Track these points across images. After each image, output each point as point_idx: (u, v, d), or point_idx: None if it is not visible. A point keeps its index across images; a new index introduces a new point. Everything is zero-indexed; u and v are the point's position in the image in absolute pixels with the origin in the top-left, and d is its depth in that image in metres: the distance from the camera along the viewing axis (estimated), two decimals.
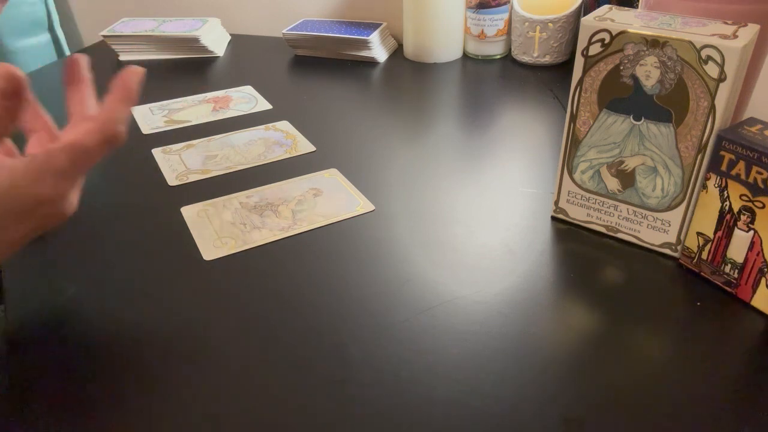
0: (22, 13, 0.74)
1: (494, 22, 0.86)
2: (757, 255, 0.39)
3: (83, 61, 0.45)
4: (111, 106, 0.39)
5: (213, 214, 0.53)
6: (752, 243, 0.39)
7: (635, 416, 0.33)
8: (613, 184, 0.46)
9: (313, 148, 0.64)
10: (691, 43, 0.38)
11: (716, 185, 0.40)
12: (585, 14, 0.61)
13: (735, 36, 0.38)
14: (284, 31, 0.91)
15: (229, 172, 0.59)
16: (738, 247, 0.40)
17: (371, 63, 0.89)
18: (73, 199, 0.39)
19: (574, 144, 0.46)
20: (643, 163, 0.44)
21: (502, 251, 0.47)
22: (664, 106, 0.41)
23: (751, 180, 0.38)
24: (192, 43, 0.92)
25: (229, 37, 1.01)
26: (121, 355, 0.38)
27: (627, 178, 0.45)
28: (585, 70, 0.43)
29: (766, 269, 0.39)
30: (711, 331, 0.39)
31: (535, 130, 0.66)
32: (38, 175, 0.35)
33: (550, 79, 0.81)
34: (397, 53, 0.93)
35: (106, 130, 0.38)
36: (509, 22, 0.87)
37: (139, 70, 0.41)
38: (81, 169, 0.37)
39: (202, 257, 0.47)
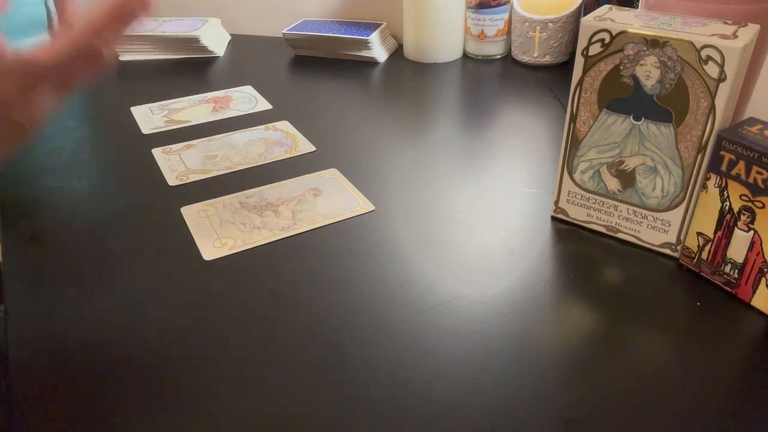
0: (21, 13, 0.74)
1: (494, 22, 0.86)
2: (757, 255, 0.39)
3: None
4: (91, 18, 0.37)
5: (213, 214, 0.53)
6: (752, 243, 0.39)
7: (635, 416, 0.33)
8: (613, 184, 0.46)
9: (313, 148, 0.64)
10: (691, 43, 0.38)
11: (716, 185, 0.40)
12: (585, 14, 0.61)
13: (735, 36, 0.38)
14: (284, 31, 0.91)
15: (229, 172, 0.59)
16: (738, 247, 0.40)
17: (371, 63, 0.89)
18: (45, 108, 0.37)
19: (574, 144, 0.46)
20: (643, 163, 0.44)
21: (502, 251, 0.47)
22: (664, 106, 0.41)
23: (751, 180, 0.38)
24: (192, 43, 0.92)
25: (229, 37, 1.01)
26: (120, 354, 0.38)
27: (627, 178, 0.45)
28: (585, 70, 0.43)
29: (766, 269, 0.39)
30: (711, 331, 0.39)
31: (535, 130, 0.66)
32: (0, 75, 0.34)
33: (550, 79, 0.81)
34: (397, 53, 0.93)
35: (77, 41, 0.36)
36: (509, 22, 0.87)
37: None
38: (49, 77, 0.36)
39: (202, 257, 0.47)
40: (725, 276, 0.42)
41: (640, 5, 0.56)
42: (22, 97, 0.35)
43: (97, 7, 0.38)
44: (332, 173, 0.59)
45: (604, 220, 0.48)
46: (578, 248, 0.47)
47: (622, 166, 0.45)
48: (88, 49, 0.37)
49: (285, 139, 0.66)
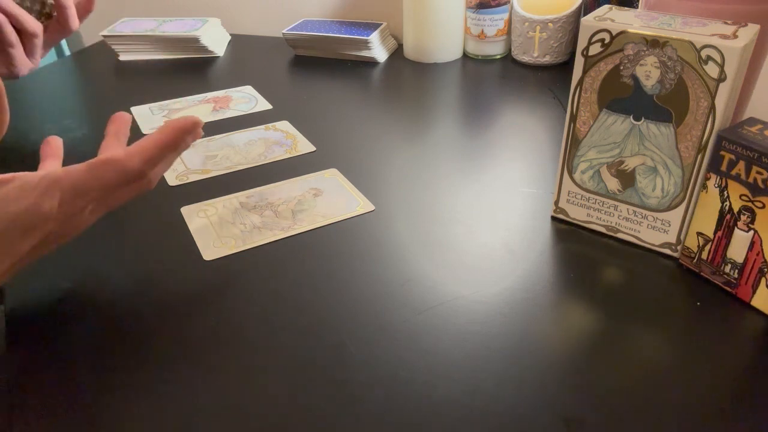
0: None
1: (494, 22, 0.86)
2: (757, 255, 0.39)
3: (127, 119, 0.46)
4: (145, 144, 0.38)
5: (213, 214, 0.53)
6: (752, 243, 0.39)
7: (635, 416, 0.33)
8: (613, 184, 0.46)
9: (313, 148, 0.64)
10: (691, 43, 0.38)
11: (716, 185, 0.40)
12: (585, 14, 0.61)
13: (735, 36, 0.38)
14: (284, 31, 0.91)
15: (229, 172, 0.59)
16: (738, 247, 0.40)
17: (371, 63, 0.89)
18: (83, 223, 0.38)
19: (574, 144, 0.46)
20: (643, 163, 0.44)
21: (502, 251, 0.47)
22: (664, 106, 0.41)
23: (750, 180, 0.38)
24: (192, 43, 0.92)
25: (229, 37, 1.01)
26: (120, 354, 0.38)
27: (627, 178, 0.45)
28: (585, 70, 0.43)
29: (766, 269, 0.39)
30: (711, 331, 0.39)
31: (535, 130, 0.66)
32: (47, 191, 0.35)
33: (550, 79, 0.81)
34: (397, 53, 0.93)
35: (127, 167, 0.37)
36: (509, 22, 0.87)
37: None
38: (93, 198, 0.37)
39: (202, 257, 0.47)
40: (725, 276, 0.42)
41: (640, 5, 0.56)
42: (61, 212, 0.36)
43: (150, 136, 0.39)
44: (332, 173, 0.59)
45: (604, 220, 0.48)
46: (578, 248, 0.47)
47: (622, 166, 0.45)
48: (138, 176, 0.38)
49: (285, 139, 0.66)
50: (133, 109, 0.75)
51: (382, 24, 0.93)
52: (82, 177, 0.36)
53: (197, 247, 0.48)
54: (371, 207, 0.53)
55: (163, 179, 0.58)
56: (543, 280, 0.44)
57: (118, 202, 0.39)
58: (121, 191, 0.38)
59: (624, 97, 0.42)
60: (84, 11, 0.65)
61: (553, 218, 0.51)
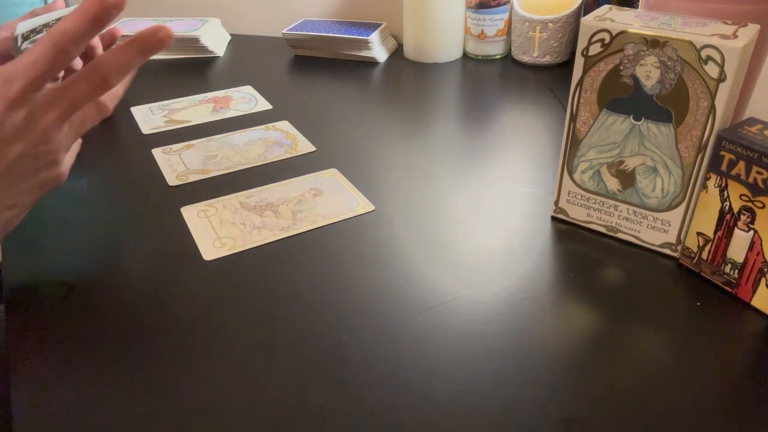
0: (21, 13, 0.75)
1: (494, 22, 0.86)
2: (757, 255, 0.39)
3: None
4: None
5: (213, 214, 0.53)
6: (752, 243, 0.39)
7: (635, 416, 0.33)
8: (613, 184, 0.46)
9: (313, 148, 0.64)
10: (691, 43, 0.38)
11: (716, 185, 0.40)
12: (585, 14, 0.61)
13: (735, 36, 0.38)
14: (284, 31, 0.91)
15: (229, 172, 0.59)
16: (738, 247, 0.40)
17: (371, 63, 0.89)
18: (58, 147, 0.38)
19: (574, 144, 0.46)
20: (643, 163, 0.44)
21: (502, 251, 0.47)
22: (664, 106, 0.41)
23: (751, 180, 0.38)
24: (192, 43, 0.92)
25: (229, 37, 1.01)
26: (120, 354, 0.38)
27: (627, 178, 0.45)
28: (585, 70, 0.43)
29: (766, 269, 0.39)
30: (711, 331, 0.39)
31: (535, 130, 0.66)
32: (6, 78, 0.33)
33: (550, 79, 0.81)
34: (397, 53, 0.93)
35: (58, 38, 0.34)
36: (509, 22, 0.87)
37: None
38: (49, 71, 0.35)
39: (202, 257, 0.47)
40: (725, 276, 0.42)
41: (640, 5, 0.56)
42: (27, 122, 0.35)
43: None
44: (332, 173, 0.59)
45: (604, 220, 0.48)
46: (578, 248, 0.47)
47: (622, 166, 0.45)
48: (64, 52, 0.35)
49: (285, 139, 0.66)
50: (133, 109, 0.75)
51: (382, 24, 0.93)
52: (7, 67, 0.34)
53: (197, 247, 0.48)
54: (371, 207, 0.53)
55: (163, 179, 0.58)
56: (543, 280, 0.44)
57: (82, 104, 0.39)
58: (76, 90, 0.37)
59: (624, 97, 0.42)
60: (107, 45, 0.75)
61: (553, 218, 0.51)
